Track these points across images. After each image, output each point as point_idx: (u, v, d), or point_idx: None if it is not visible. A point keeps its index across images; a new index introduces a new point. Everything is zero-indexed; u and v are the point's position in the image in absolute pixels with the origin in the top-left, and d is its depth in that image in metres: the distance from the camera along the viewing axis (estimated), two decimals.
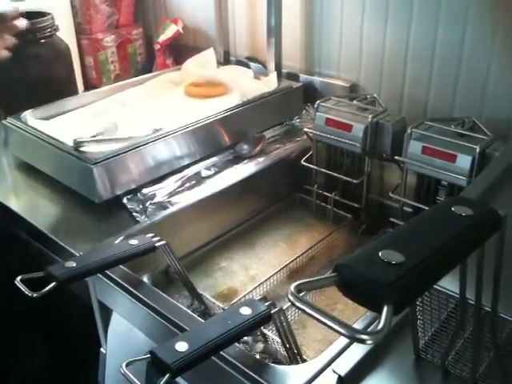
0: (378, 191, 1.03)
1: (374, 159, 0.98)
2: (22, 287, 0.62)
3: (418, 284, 0.36)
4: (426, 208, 0.87)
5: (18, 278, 0.63)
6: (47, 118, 1.07)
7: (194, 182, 0.98)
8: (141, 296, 0.70)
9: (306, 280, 0.35)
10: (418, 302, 0.55)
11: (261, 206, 1.04)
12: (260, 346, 0.72)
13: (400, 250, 0.37)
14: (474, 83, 1.01)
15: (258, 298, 0.61)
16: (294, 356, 0.65)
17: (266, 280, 0.85)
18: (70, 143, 0.93)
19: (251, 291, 0.83)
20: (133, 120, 1.07)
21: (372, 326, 0.33)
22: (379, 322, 0.32)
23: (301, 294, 0.34)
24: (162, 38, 1.42)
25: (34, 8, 1.23)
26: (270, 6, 1.17)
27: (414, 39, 1.06)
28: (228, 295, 0.87)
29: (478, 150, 0.81)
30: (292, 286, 0.34)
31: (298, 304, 0.34)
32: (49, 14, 1.18)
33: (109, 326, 0.82)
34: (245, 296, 0.82)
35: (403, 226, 0.43)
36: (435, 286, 0.51)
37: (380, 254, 0.36)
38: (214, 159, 1.05)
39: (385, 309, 0.33)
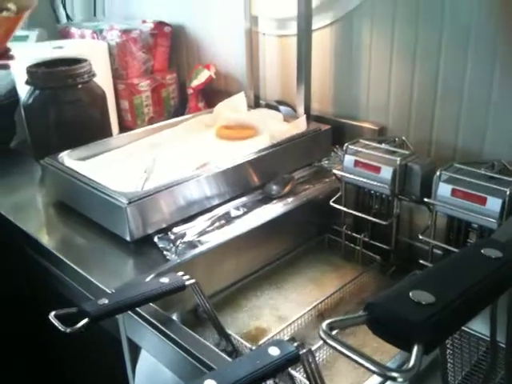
0: (408, 233, 1.03)
1: (403, 201, 0.98)
2: (56, 323, 0.63)
3: (448, 324, 0.36)
4: (456, 250, 0.87)
5: (52, 313, 0.64)
6: (84, 159, 1.11)
7: (223, 221, 1.00)
8: (170, 334, 0.71)
9: (337, 318, 0.36)
10: (448, 345, 0.54)
11: (289, 246, 1.05)
12: None
13: (430, 291, 0.37)
14: (504, 125, 1.01)
15: (287, 338, 0.61)
16: None
17: (294, 321, 0.85)
18: (105, 183, 0.96)
19: (279, 332, 0.83)
20: (167, 161, 1.10)
21: (403, 367, 0.33)
22: (409, 361, 0.32)
23: (332, 333, 0.35)
24: (195, 82, 1.46)
25: (73, 55, 1.29)
26: (299, 52, 1.21)
27: (441, 82, 1.08)
28: (256, 335, 0.87)
29: (508, 193, 0.81)
30: (324, 324, 0.35)
31: (329, 342, 0.34)
32: (86, 60, 1.23)
33: (137, 363, 0.82)
34: (273, 336, 0.82)
35: (433, 267, 0.44)
36: (465, 329, 0.51)
37: (410, 294, 0.37)
38: (243, 199, 1.06)
39: (415, 348, 0.33)
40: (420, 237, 0.91)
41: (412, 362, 0.32)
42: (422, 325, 0.34)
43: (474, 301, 0.40)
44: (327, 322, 0.35)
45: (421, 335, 0.34)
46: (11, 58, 1.05)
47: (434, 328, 0.35)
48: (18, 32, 1.59)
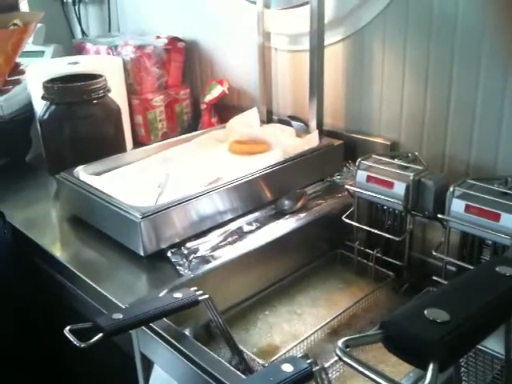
0: (421, 249, 1.02)
1: (416, 217, 0.98)
2: (71, 337, 0.63)
3: (464, 342, 0.37)
4: (470, 267, 0.86)
5: (67, 328, 0.65)
6: (98, 174, 1.12)
7: (236, 236, 1.00)
8: (183, 349, 0.71)
9: (353, 336, 0.36)
10: (462, 363, 0.54)
11: (302, 261, 1.05)
12: None
13: (445, 309, 0.37)
14: None
15: (300, 355, 0.61)
16: None
17: (306, 337, 0.85)
18: (120, 197, 0.97)
19: (292, 348, 0.83)
20: (180, 176, 1.11)
21: None
22: (425, 379, 0.32)
23: (347, 350, 0.35)
24: (208, 97, 1.47)
25: (89, 70, 1.31)
26: (312, 68, 1.22)
27: (454, 98, 1.08)
28: (268, 352, 0.87)
29: None
30: (340, 342, 0.35)
31: (346, 359, 0.34)
32: (101, 76, 1.25)
33: (150, 379, 0.82)
34: (285, 353, 0.82)
35: (447, 285, 0.44)
36: (480, 347, 0.50)
37: (426, 312, 0.37)
38: (255, 214, 1.07)
39: (430, 366, 0.33)
40: (434, 253, 0.91)
41: (428, 380, 0.32)
42: (437, 343, 0.34)
43: (488, 318, 0.40)
44: (343, 339, 0.35)
45: (436, 353, 0.34)
46: (22, 72, 1.07)
47: (450, 346, 0.35)
48: (35, 47, 1.63)
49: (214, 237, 0.99)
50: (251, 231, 1.02)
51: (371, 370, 0.33)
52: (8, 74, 1.01)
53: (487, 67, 1.01)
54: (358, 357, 0.36)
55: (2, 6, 1.03)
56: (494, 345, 0.54)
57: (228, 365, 0.69)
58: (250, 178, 1.06)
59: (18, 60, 1.07)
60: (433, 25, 1.07)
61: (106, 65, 1.44)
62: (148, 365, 0.82)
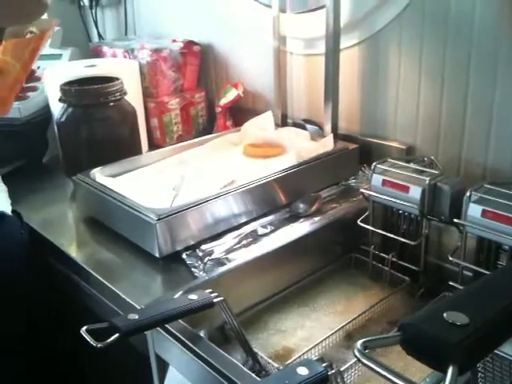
0: (437, 254, 1.01)
1: (432, 221, 0.97)
2: (88, 337, 0.63)
3: (483, 345, 0.36)
4: (487, 272, 0.85)
5: (84, 328, 0.65)
6: (114, 176, 1.12)
7: (250, 239, 1.00)
8: (198, 351, 0.71)
9: (371, 338, 0.36)
10: (479, 368, 0.54)
11: (316, 265, 1.05)
12: None
13: (464, 312, 0.37)
14: None
15: (314, 358, 0.61)
16: None
17: (321, 341, 0.85)
18: (135, 199, 0.98)
19: (307, 352, 0.83)
20: (195, 179, 1.11)
21: None
22: (444, 382, 0.32)
23: (366, 351, 0.35)
24: (223, 101, 1.48)
25: (105, 73, 1.32)
26: (327, 71, 1.22)
27: (471, 101, 1.07)
28: (283, 355, 0.86)
29: None
30: (358, 343, 0.35)
31: (364, 360, 0.34)
32: (118, 79, 1.26)
33: (165, 380, 0.83)
34: (300, 356, 0.81)
35: (466, 289, 0.44)
36: (498, 352, 0.50)
37: (445, 315, 0.36)
38: (270, 217, 1.07)
39: (450, 369, 0.33)
40: (450, 258, 0.90)
41: (447, 383, 0.32)
42: (457, 345, 0.34)
43: (508, 322, 0.40)
44: (362, 340, 0.35)
45: (457, 356, 0.33)
46: (38, 79, 1.08)
47: (470, 349, 0.35)
48: (52, 51, 1.65)
49: (229, 239, 0.99)
50: (266, 234, 1.02)
51: (390, 372, 0.33)
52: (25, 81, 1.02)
53: (504, 70, 1.00)
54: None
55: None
56: (511, 350, 0.53)
57: (243, 367, 0.69)
58: (265, 181, 1.06)
59: (33, 67, 1.08)
60: (449, 28, 1.06)
61: (122, 68, 1.45)
62: (163, 366, 0.82)
